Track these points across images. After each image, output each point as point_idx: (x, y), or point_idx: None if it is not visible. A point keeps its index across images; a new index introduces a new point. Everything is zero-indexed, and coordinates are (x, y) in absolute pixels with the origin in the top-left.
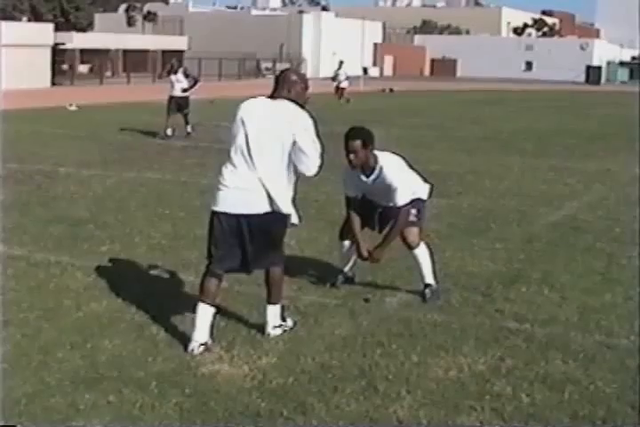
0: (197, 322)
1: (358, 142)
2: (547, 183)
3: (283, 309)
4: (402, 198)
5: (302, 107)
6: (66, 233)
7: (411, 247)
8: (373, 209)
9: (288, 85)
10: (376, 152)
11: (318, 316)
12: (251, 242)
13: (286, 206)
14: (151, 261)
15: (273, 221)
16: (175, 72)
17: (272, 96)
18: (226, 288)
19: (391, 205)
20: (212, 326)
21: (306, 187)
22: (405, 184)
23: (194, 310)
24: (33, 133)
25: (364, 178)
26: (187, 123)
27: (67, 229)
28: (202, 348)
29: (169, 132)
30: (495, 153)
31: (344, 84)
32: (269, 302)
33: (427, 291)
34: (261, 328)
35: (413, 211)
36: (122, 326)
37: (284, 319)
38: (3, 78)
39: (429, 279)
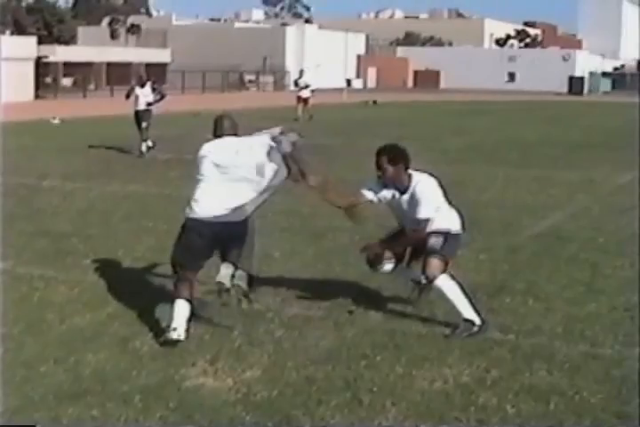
0: (176, 316)
1: (384, 158)
2: (530, 194)
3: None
4: (425, 211)
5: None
6: (49, 246)
7: (428, 279)
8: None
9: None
10: (412, 172)
11: (303, 328)
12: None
13: None
14: (135, 274)
15: None
16: (142, 85)
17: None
18: (209, 302)
19: (416, 219)
20: (189, 320)
21: (290, 199)
22: (432, 201)
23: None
24: (16, 147)
25: (397, 195)
26: (143, 140)
27: (50, 243)
28: (177, 336)
29: (149, 143)
30: (479, 164)
31: (305, 94)
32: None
33: (461, 325)
34: (246, 341)
35: (439, 239)
36: (106, 340)
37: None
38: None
39: (467, 314)
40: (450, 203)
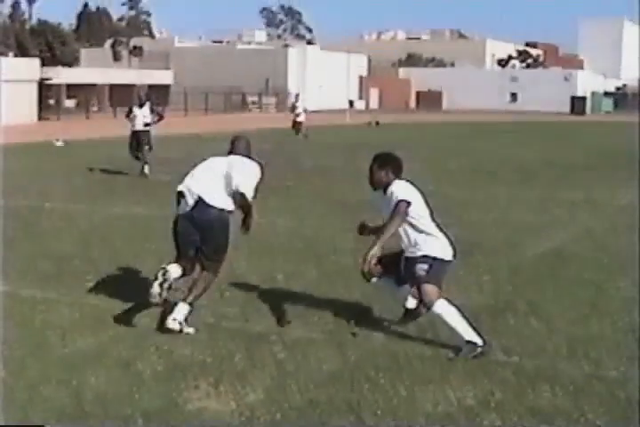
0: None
1: (375, 164)
2: (533, 214)
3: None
4: (398, 196)
5: None
6: (52, 269)
7: (426, 307)
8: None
9: None
10: (400, 180)
11: (305, 350)
12: None
13: None
14: (138, 296)
15: None
16: (141, 106)
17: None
18: (212, 324)
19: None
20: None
21: (293, 221)
22: (403, 193)
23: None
24: (19, 169)
25: (382, 195)
26: (145, 162)
27: (53, 265)
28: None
29: (146, 169)
30: (481, 184)
31: (301, 118)
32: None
33: (464, 348)
34: (249, 364)
35: (424, 266)
36: (108, 363)
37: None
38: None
39: (468, 336)
40: (438, 226)
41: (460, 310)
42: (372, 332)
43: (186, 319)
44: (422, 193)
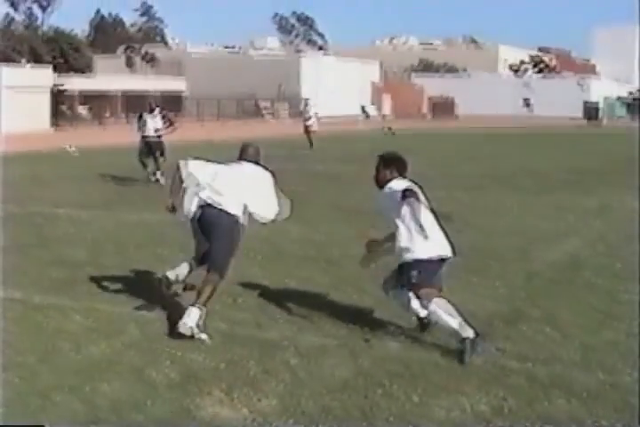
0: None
1: (381, 163)
2: (546, 220)
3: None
4: (400, 187)
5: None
6: (65, 275)
7: (426, 308)
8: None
9: None
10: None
11: (318, 357)
12: None
13: None
14: (150, 303)
15: None
16: (151, 111)
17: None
18: (225, 330)
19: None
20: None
21: (305, 228)
22: (405, 185)
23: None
24: (33, 176)
25: (385, 194)
26: (158, 168)
27: (66, 272)
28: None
29: (158, 175)
30: (494, 190)
31: (310, 123)
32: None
33: (464, 345)
34: (262, 370)
35: (415, 273)
36: (121, 369)
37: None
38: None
39: (464, 333)
40: (440, 226)
41: (456, 308)
42: (384, 339)
43: (198, 325)
44: (424, 193)
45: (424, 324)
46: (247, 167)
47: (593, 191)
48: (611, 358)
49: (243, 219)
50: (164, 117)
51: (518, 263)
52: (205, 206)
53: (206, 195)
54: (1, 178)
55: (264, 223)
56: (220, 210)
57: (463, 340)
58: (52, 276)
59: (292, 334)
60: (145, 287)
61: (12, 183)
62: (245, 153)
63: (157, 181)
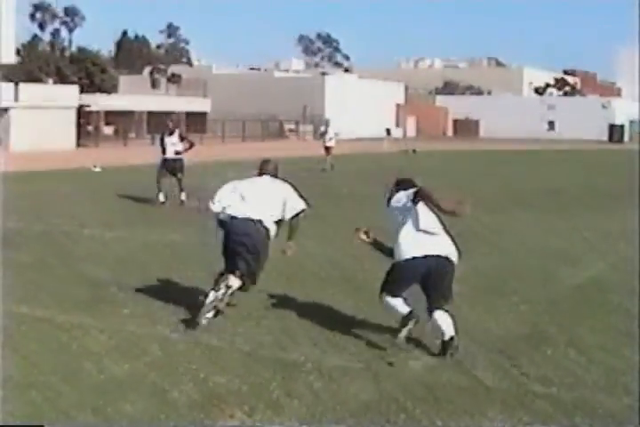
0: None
1: (395, 186)
2: (570, 242)
3: None
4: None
5: None
6: (88, 295)
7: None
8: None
9: None
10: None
11: (342, 380)
12: None
13: None
14: (173, 323)
15: None
16: (171, 133)
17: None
18: (248, 352)
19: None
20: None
21: (329, 249)
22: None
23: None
24: (57, 194)
25: (393, 206)
26: (181, 190)
27: (89, 291)
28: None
29: (161, 197)
30: (519, 212)
31: (331, 143)
32: None
33: (452, 345)
34: (284, 392)
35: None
36: (143, 390)
37: None
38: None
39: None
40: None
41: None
42: (408, 362)
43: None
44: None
45: (445, 346)
46: (266, 179)
47: (617, 213)
48: (636, 382)
49: (272, 229)
50: (183, 139)
51: (543, 286)
52: (235, 219)
53: (233, 210)
54: (2, 195)
55: (297, 215)
56: (251, 221)
57: (451, 339)
58: (75, 295)
59: (315, 357)
60: (169, 307)
61: (36, 201)
62: (265, 168)
63: (182, 202)
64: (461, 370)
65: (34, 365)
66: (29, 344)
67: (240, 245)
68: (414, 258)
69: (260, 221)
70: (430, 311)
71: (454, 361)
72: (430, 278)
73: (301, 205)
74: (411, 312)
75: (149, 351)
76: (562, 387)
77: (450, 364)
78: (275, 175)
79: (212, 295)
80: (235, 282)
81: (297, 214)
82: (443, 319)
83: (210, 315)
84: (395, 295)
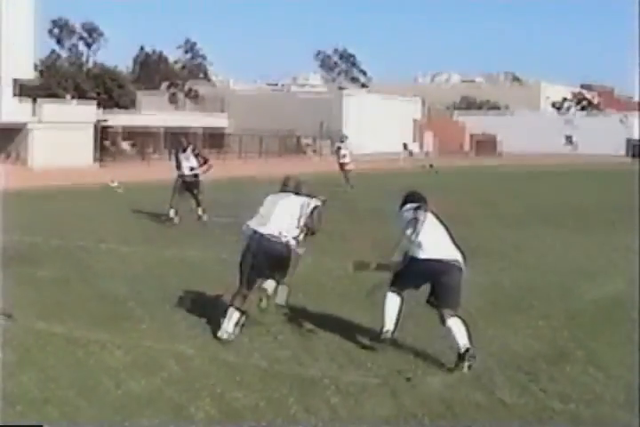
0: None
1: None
2: (589, 259)
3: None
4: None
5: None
6: (106, 311)
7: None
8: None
9: None
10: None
11: (359, 396)
12: None
13: None
14: (191, 339)
15: None
16: (184, 150)
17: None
18: (265, 368)
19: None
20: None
21: (347, 264)
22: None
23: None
24: (74, 211)
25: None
26: (198, 205)
27: (107, 307)
28: (229, 336)
29: (171, 213)
30: (537, 228)
31: (345, 160)
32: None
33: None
34: (302, 408)
35: None
36: (160, 406)
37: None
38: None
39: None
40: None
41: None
42: (426, 377)
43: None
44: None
45: (462, 358)
46: (287, 195)
47: (635, 229)
48: None
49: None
50: (197, 156)
51: (561, 302)
52: (269, 240)
53: (254, 225)
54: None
55: (316, 207)
56: (282, 242)
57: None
58: (93, 310)
59: (332, 372)
60: (186, 323)
61: (54, 217)
62: (287, 185)
63: (200, 217)
64: (479, 386)
65: (51, 380)
66: (47, 359)
67: (261, 261)
68: (422, 259)
69: (279, 237)
70: (443, 321)
71: (472, 377)
72: (437, 282)
73: (316, 202)
74: (386, 331)
75: (167, 367)
76: (580, 403)
77: (468, 380)
78: (297, 192)
79: (230, 312)
80: (270, 285)
81: (313, 210)
82: (457, 329)
83: (232, 330)
84: (397, 291)
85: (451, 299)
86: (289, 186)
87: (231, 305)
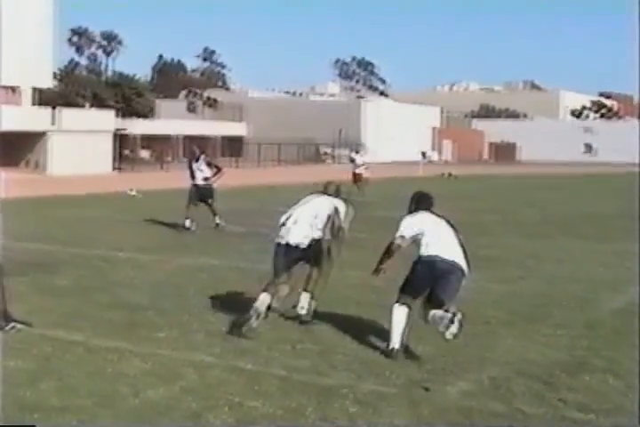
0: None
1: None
2: (609, 268)
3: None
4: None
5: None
6: (124, 319)
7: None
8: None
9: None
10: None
11: (377, 405)
12: None
13: None
14: (209, 347)
15: None
16: (197, 160)
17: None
18: (283, 376)
19: None
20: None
21: (365, 273)
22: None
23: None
24: (93, 218)
25: None
26: (214, 214)
27: (125, 315)
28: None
29: (187, 223)
30: (556, 237)
31: (360, 170)
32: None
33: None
34: (320, 417)
35: None
36: (178, 414)
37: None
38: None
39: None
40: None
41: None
42: (444, 386)
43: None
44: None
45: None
46: (322, 198)
47: None
48: None
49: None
50: (209, 164)
51: (580, 311)
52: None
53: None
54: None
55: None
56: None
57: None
58: (111, 319)
59: (351, 382)
60: (204, 331)
61: (71, 226)
62: (327, 189)
63: (217, 225)
64: (498, 395)
65: (69, 388)
66: (65, 368)
67: (291, 253)
68: (428, 260)
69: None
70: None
71: (491, 386)
72: (440, 278)
73: (342, 224)
74: (392, 349)
75: (185, 375)
76: (600, 413)
77: (486, 389)
78: (336, 196)
79: (262, 297)
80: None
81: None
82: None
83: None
84: (406, 303)
85: (447, 292)
86: (329, 189)
87: (264, 291)
